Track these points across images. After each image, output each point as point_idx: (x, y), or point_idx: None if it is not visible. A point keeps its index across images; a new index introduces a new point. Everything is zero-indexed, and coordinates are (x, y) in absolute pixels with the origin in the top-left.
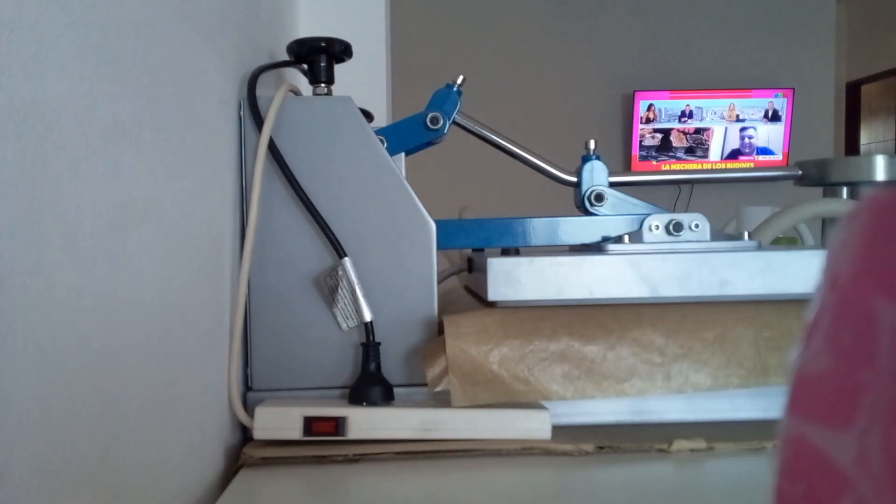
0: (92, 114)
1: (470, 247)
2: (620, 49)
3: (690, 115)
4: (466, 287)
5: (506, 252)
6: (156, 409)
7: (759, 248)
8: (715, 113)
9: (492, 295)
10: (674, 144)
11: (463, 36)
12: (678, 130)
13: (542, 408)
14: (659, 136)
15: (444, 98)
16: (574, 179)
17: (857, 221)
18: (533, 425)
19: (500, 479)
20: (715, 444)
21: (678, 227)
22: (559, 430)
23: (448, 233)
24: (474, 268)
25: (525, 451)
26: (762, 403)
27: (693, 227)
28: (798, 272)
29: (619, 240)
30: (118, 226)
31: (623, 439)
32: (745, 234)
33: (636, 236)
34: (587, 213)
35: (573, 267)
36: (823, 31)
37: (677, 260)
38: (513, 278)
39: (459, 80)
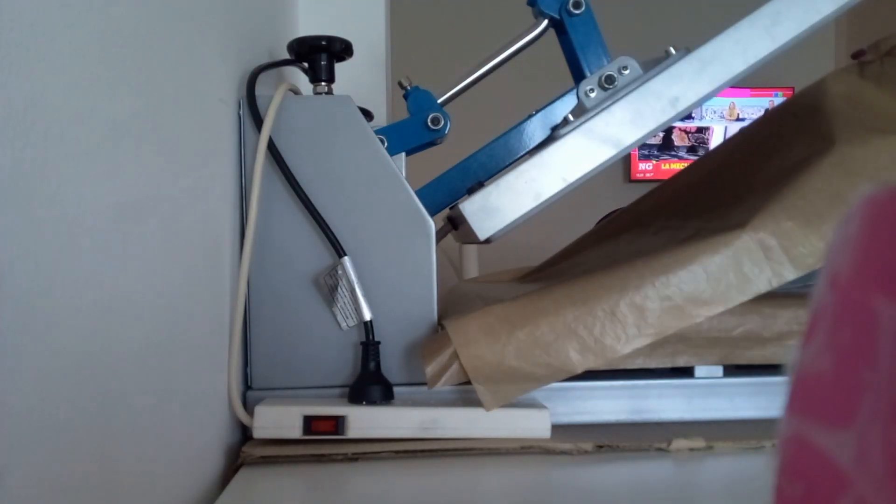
0: (91, 113)
1: (444, 207)
2: (620, 48)
3: (691, 114)
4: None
5: (472, 190)
6: (155, 409)
7: (688, 51)
8: (715, 112)
9: (481, 234)
10: (675, 143)
11: (462, 35)
12: (679, 129)
13: (542, 407)
14: (660, 134)
15: (423, 98)
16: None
17: (856, 220)
18: (532, 424)
19: (499, 478)
20: (714, 443)
21: (610, 78)
22: (558, 430)
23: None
24: (458, 222)
25: (524, 450)
26: (761, 402)
27: (622, 71)
28: (732, 51)
29: (565, 122)
30: (117, 225)
31: (622, 438)
32: (671, 49)
33: (578, 109)
34: (563, 27)
35: (537, 167)
36: (823, 30)
37: (622, 105)
38: (490, 208)
39: (407, 82)
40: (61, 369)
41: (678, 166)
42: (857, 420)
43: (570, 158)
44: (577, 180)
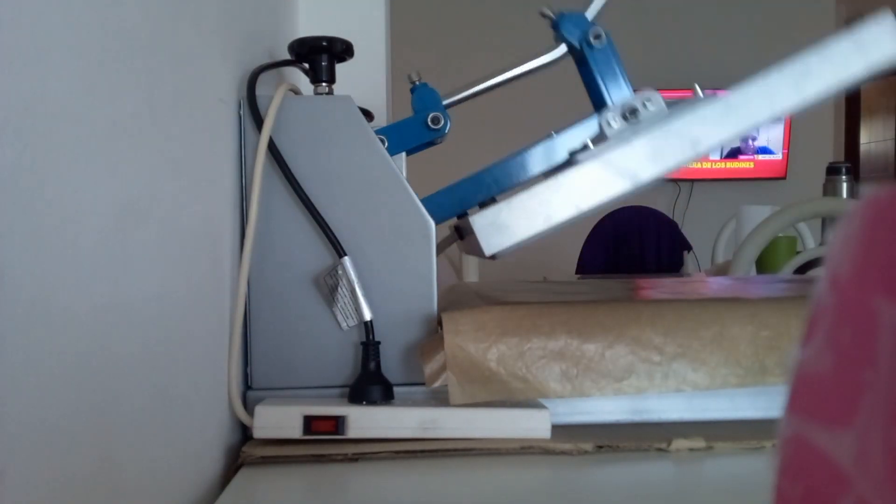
0: (91, 113)
1: (452, 216)
2: (621, 50)
3: None
4: (468, 288)
5: (483, 204)
6: (155, 409)
7: (716, 95)
8: None
9: (487, 249)
10: None
11: (462, 35)
12: None
13: (542, 407)
14: None
15: (426, 97)
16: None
17: (856, 221)
18: (532, 424)
19: (498, 479)
20: (714, 443)
21: (633, 111)
22: (558, 430)
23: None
24: (464, 233)
25: (524, 450)
26: (762, 403)
27: (646, 104)
28: (760, 101)
29: (584, 148)
30: (118, 225)
31: (622, 438)
32: (697, 88)
33: (599, 138)
34: (583, 60)
35: (551, 190)
36: (822, 31)
37: (643, 141)
38: (500, 225)
39: (416, 77)
40: (61, 369)
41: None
42: (858, 420)
43: (585, 186)
44: (589, 209)
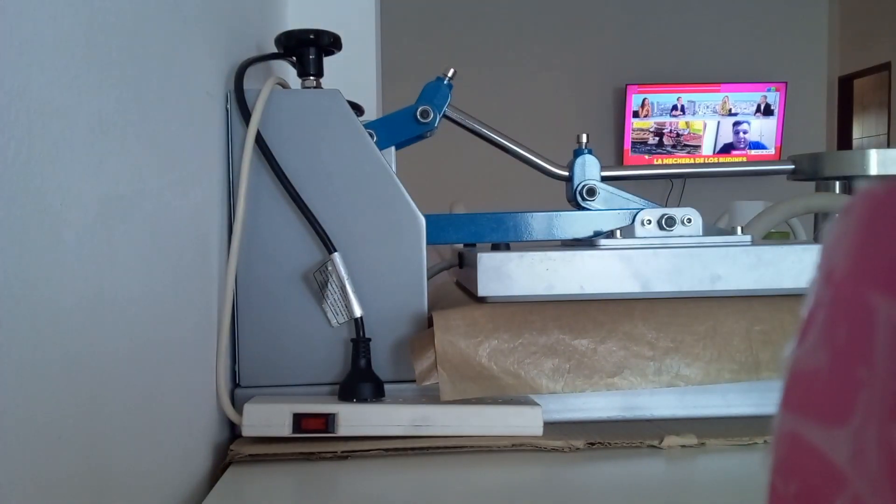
0: (77, 106)
1: (461, 242)
2: (612, 43)
3: (683, 109)
4: (458, 283)
5: (496, 247)
6: (143, 408)
7: (752, 243)
8: (707, 107)
9: (482, 290)
10: (666, 139)
11: (453, 29)
12: (670, 124)
13: (534, 404)
14: (651, 130)
15: (435, 91)
16: (566, 173)
17: (852, 216)
18: (524, 422)
19: (490, 476)
20: (706, 440)
21: (670, 221)
22: (550, 427)
23: (439, 227)
24: (465, 263)
25: (515, 447)
26: (754, 399)
27: (685, 221)
28: (790, 267)
29: (610, 234)
30: (103, 221)
31: (614, 436)
32: (738, 229)
33: (628, 231)
34: (579, 207)
35: (564, 262)
36: (816, 25)
37: (669, 255)
38: (503, 273)
39: (450, 73)
40: (46, 367)
41: (670, 161)
42: (853, 418)
43: (597, 272)
44: (591, 293)
